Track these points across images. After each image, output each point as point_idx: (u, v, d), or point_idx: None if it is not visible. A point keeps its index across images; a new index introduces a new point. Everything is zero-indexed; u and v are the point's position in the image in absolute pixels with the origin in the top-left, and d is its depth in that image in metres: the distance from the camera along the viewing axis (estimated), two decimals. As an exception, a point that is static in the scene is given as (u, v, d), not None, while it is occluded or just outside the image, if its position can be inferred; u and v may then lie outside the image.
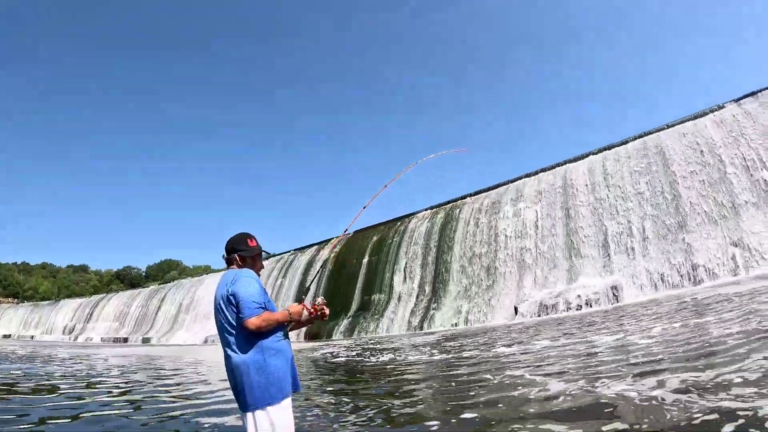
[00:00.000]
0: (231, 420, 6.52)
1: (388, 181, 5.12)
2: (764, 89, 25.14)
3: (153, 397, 9.63)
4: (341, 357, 17.25)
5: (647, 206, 25.10)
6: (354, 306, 35.56)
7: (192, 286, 57.45)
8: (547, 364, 9.08)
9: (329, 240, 45.90)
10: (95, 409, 7.90)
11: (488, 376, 8.55)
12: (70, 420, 6.89)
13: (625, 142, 29.07)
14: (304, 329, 33.61)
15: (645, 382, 6.01)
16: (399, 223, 38.03)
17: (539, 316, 23.54)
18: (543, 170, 32.29)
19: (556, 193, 29.36)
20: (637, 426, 4.45)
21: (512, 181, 33.79)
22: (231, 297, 4.31)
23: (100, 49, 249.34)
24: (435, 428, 5.36)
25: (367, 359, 15.34)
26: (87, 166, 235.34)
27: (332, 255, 41.05)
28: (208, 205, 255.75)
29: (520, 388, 7.04)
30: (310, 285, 5.33)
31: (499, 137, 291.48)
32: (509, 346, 13.48)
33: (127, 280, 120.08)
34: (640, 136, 28.65)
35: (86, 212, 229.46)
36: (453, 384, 8.40)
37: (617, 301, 22.18)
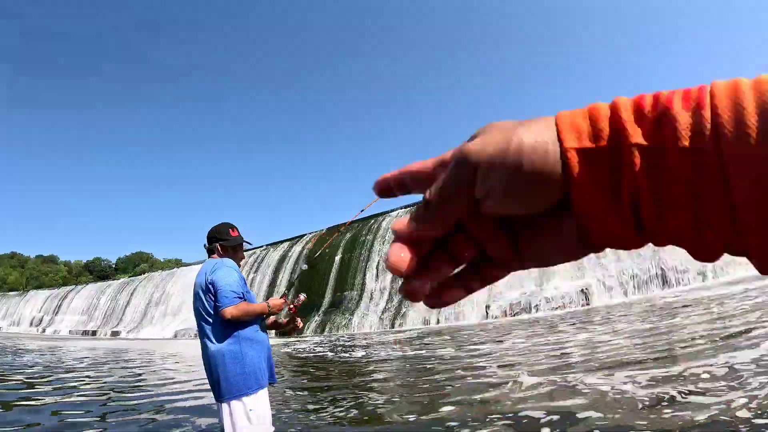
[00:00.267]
0: (204, 411, 6.46)
1: (356, 213, 5.08)
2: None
3: (122, 389, 9.58)
4: (314, 353, 17.18)
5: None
6: (326, 303, 35.40)
7: (163, 280, 56.66)
8: (519, 360, 9.12)
9: (302, 236, 45.66)
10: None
11: (461, 372, 8.56)
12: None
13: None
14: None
15: (616, 377, 6.06)
16: (372, 221, 37.99)
17: (510, 316, 23.65)
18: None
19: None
20: (611, 415, 4.48)
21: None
22: (210, 285, 4.25)
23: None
24: (413, 419, 5.36)
25: (340, 355, 15.29)
26: (56, 155, 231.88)
27: (305, 252, 41.21)
28: (180, 198, 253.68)
29: (493, 381, 7.09)
30: (295, 281, 5.32)
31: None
32: (481, 343, 13.54)
33: (96, 271, 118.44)
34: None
35: (56, 201, 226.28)
36: (427, 378, 8.40)
37: (588, 304, 22.39)
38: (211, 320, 4.29)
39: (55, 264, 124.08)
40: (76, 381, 10.69)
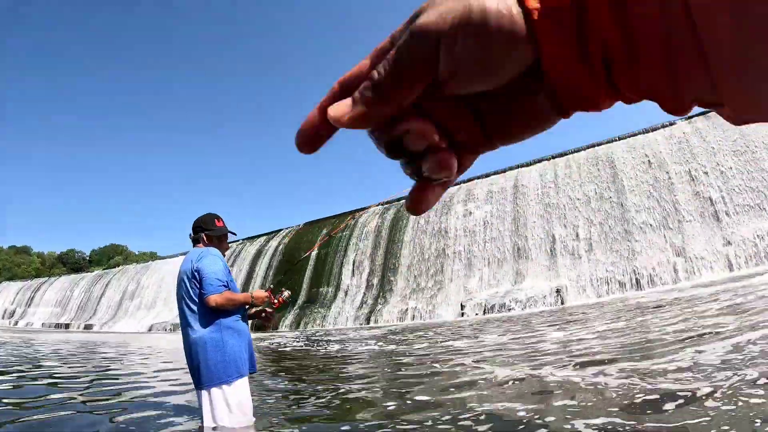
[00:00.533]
0: (183, 400, 6.48)
1: (341, 225, 5.13)
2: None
3: (98, 379, 9.57)
4: (290, 347, 17.22)
5: (595, 213, 25.71)
6: (301, 298, 35.40)
7: (137, 273, 56.12)
8: (493, 355, 9.26)
9: (278, 231, 45.54)
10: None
11: (437, 365, 8.67)
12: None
13: (577, 151, 29.69)
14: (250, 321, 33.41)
15: (587, 370, 6.23)
16: (349, 217, 38.06)
17: (485, 314, 23.84)
18: (495, 173, 32.72)
19: (506, 196, 29.79)
20: (583, 404, 4.61)
21: (464, 182, 34.12)
22: (195, 272, 4.36)
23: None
24: (392, 408, 5.44)
25: (317, 349, 15.35)
26: (29, 144, 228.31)
27: (281, 247, 41.12)
28: (155, 191, 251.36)
29: (468, 374, 7.20)
30: (282, 277, 5.37)
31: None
32: (456, 340, 13.67)
33: (70, 263, 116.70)
34: (592, 146, 29.32)
35: (29, 191, 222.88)
36: (404, 371, 8.52)
37: (562, 303, 22.67)
38: (194, 307, 4.39)
39: (28, 255, 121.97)
40: (49, 372, 10.64)
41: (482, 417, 4.54)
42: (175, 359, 13.19)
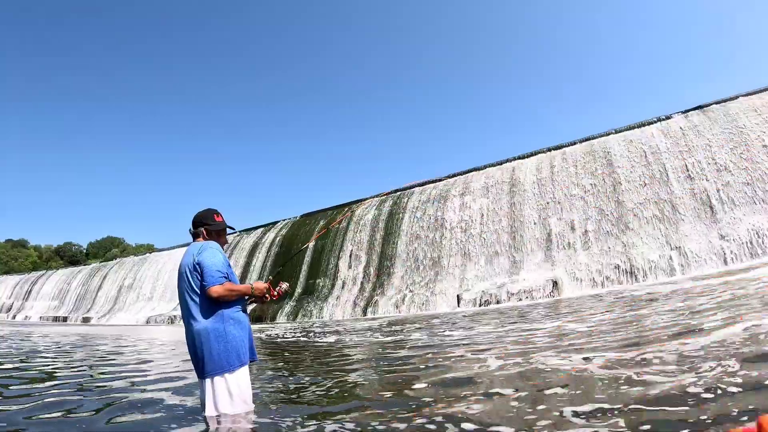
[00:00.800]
0: (184, 389, 6.58)
1: (341, 215, 5.28)
2: (711, 104, 26.17)
3: (99, 371, 9.69)
4: (288, 338, 17.35)
5: (591, 206, 25.86)
6: (298, 290, 35.52)
7: (135, 266, 56.14)
8: (487, 346, 9.44)
9: (275, 222, 45.63)
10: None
11: (432, 355, 8.86)
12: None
13: (573, 143, 29.83)
14: (248, 312, 33.60)
15: (577, 360, 6.41)
16: (346, 209, 38.06)
17: (481, 306, 24.03)
18: (491, 165, 32.84)
19: (503, 188, 29.91)
20: (573, 392, 4.78)
21: (460, 174, 34.27)
22: (197, 265, 4.55)
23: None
24: (389, 396, 5.61)
25: (314, 340, 15.50)
26: (25, 137, 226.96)
27: (278, 239, 41.23)
28: (152, 183, 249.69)
29: (463, 364, 7.42)
30: (282, 267, 5.55)
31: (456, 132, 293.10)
32: (452, 331, 13.83)
33: (67, 256, 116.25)
34: (588, 139, 29.46)
35: (26, 184, 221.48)
36: (400, 361, 8.66)
37: (557, 295, 22.86)
38: (197, 299, 4.57)
39: (25, 248, 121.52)
40: (48, 364, 10.77)
41: (476, 404, 4.71)
42: (173, 350, 13.36)
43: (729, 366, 4.86)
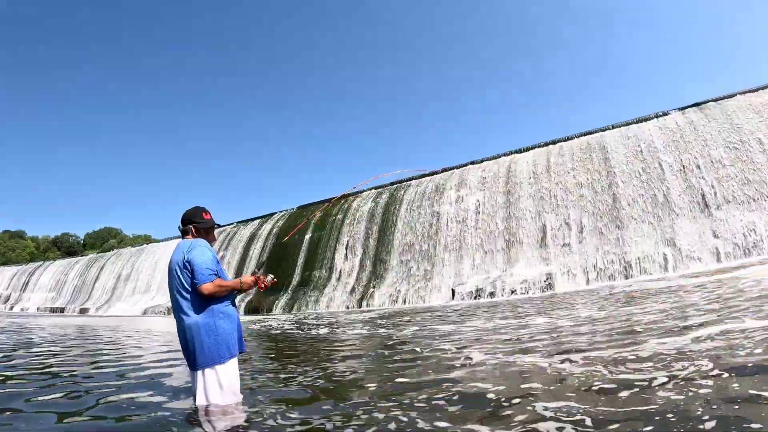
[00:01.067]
0: (177, 379, 6.70)
1: (333, 198, 5.39)
2: (709, 101, 26.24)
3: (93, 362, 9.81)
4: (283, 329, 17.45)
5: (586, 201, 25.95)
6: (294, 281, 35.64)
7: (132, 257, 56.26)
8: (475, 341, 9.59)
9: (272, 214, 45.73)
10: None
11: (418, 349, 9.00)
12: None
13: (570, 138, 29.92)
14: (244, 303, 33.85)
15: (556, 357, 6.54)
16: (343, 201, 38.15)
17: (475, 299, 24.15)
18: (488, 159, 32.94)
19: (499, 182, 29.98)
20: (546, 388, 4.91)
21: (456, 168, 34.36)
22: (187, 263, 4.68)
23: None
24: (372, 388, 5.75)
25: (308, 332, 15.61)
26: (22, 127, 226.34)
27: (275, 230, 41.31)
28: (149, 173, 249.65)
29: (448, 357, 7.55)
30: (266, 259, 5.68)
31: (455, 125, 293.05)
32: (443, 324, 13.93)
33: (64, 247, 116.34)
34: (585, 135, 29.54)
35: (23, 174, 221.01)
36: (387, 354, 8.86)
37: (551, 290, 22.98)
38: (187, 295, 4.72)
39: (23, 239, 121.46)
40: (43, 354, 10.89)
41: (455, 397, 4.86)
42: (168, 341, 13.46)
43: (702, 366, 4.96)
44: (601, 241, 24.35)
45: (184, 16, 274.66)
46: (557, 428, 3.61)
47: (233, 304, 4.95)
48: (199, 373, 4.65)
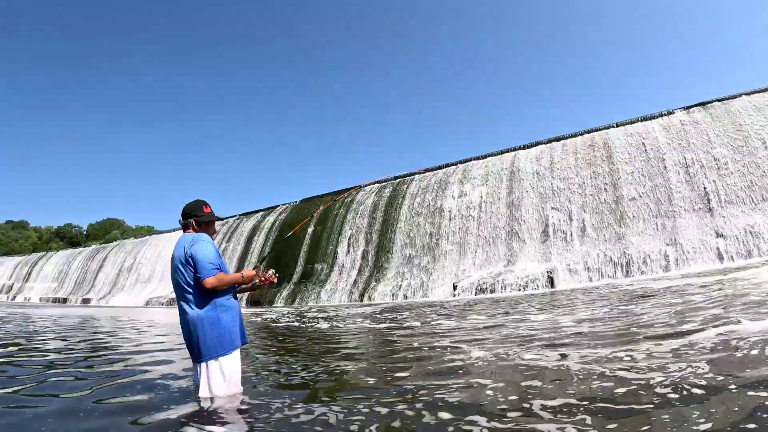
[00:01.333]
0: (179, 370, 6.80)
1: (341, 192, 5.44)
2: (714, 101, 26.20)
3: (95, 352, 9.86)
4: (284, 323, 17.51)
5: (589, 198, 25.99)
6: (297, 274, 35.77)
7: (134, 248, 56.48)
8: (474, 336, 9.65)
9: (275, 207, 45.81)
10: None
11: (418, 344, 9.07)
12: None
13: (574, 135, 29.90)
14: (246, 295, 33.88)
15: (553, 354, 6.59)
16: (346, 194, 38.09)
17: (476, 294, 24.23)
18: (492, 154, 32.95)
19: (502, 178, 30.03)
20: (544, 386, 4.96)
21: (460, 163, 34.37)
22: (189, 258, 4.75)
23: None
24: (372, 382, 5.84)
25: (309, 325, 15.66)
26: (26, 117, 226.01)
27: (278, 223, 41.37)
28: (152, 164, 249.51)
29: (447, 353, 7.60)
30: (268, 254, 5.72)
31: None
32: (443, 320, 13.98)
33: (67, 238, 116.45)
34: (589, 132, 29.52)
35: (26, 165, 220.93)
36: (388, 349, 8.96)
37: (552, 287, 23.02)
38: (191, 290, 4.79)
39: (26, 230, 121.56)
40: (46, 344, 10.96)
41: (457, 392, 4.92)
42: (170, 332, 13.52)
43: (699, 368, 5.01)
44: (603, 238, 24.40)
45: (189, 6, 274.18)
46: (558, 429, 3.66)
47: (235, 297, 5.04)
48: (203, 364, 4.73)
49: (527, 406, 4.28)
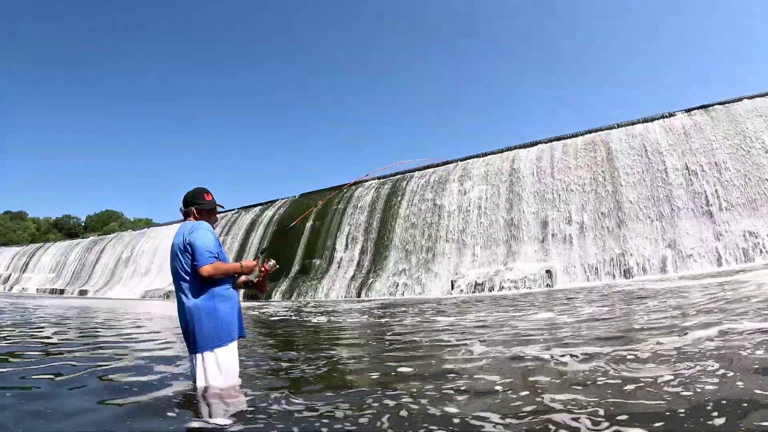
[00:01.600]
0: (174, 363, 6.73)
1: (342, 185, 5.40)
2: (715, 104, 26.18)
3: (92, 343, 9.84)
4: (282, 316, 17.50)
5: (588, 199, 25.97)
6: (295, 269, 35.71)
7: (132, 240, 56.42)
8: (473, 333, 9.62)
9: (274, 201, 45.74)
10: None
11: (418, 339, 9.08)
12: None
13: (575, 135, 29.88)
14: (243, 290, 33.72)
15: (558, 351, 6.55)
16: (345, 190, 38.14)
17: (474, 293, 24.22)
18: (492, 153, 32.91)
19: (502, 176, 30.01)
20: (553, 381, 4.94)
21: (460, 161, 34.33)
22: (188, 245, 4.68)
23: None
24: (375, 377, 5.77)
25: (307, 319, 15.65)
26: (25, 108, 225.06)
27: (276, 217, 41.33)
28: (151, 157, 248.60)
29: (449, 348, 7.60)
30: (269, 245, 5.65)
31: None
32: (441, 316, 13.95)
33: (65, 229, 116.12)
34: (590, 132, 29.50)
35: (25, 155, 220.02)
36: (388, 344, 8.87)
37: (550, 286, 23.01)
38: (188, 278, 4.71)
39: (24, 221, 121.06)
40: (43, 335, 10.95)
41: (462, 387, 4.88)
42: (167, 325, 13.49)
43: (707, 366, 4.99)
44: (602, 239, 24.41)
45: (189, 6, 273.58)
46: (572, 418, 3.64)
47: (233, 288, 4.97)
48: (199, 355, 4.65)
49: (539, 400, 4.25)
